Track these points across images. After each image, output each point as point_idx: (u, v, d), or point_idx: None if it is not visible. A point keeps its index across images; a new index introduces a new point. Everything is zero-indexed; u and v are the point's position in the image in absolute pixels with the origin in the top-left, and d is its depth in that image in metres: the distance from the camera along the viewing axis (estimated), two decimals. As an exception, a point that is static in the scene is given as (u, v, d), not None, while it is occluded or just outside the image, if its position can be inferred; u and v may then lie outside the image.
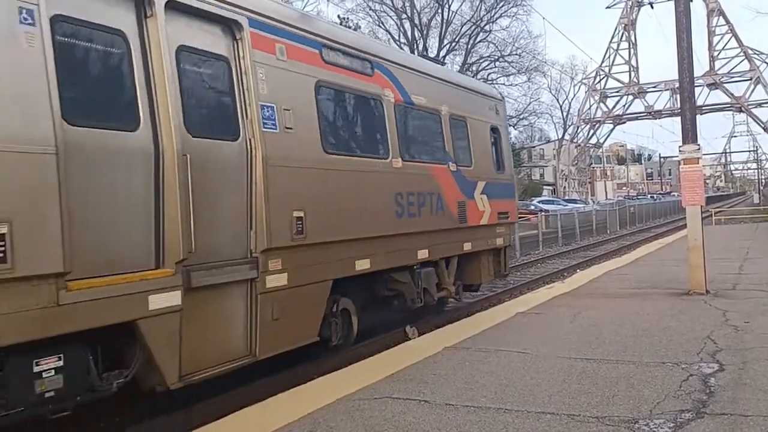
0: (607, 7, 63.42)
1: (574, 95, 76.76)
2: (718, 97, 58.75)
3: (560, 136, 67.28)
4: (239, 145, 5.94)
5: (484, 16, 42.25)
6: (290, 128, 6.47)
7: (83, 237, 4.51)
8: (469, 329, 7.55)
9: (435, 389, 5.17)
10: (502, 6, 42.55)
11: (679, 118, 9.99)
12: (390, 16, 41.13)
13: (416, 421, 4.44)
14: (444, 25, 41.22)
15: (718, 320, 7.43)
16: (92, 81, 5.00)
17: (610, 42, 62.67)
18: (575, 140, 66.19)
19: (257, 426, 4.53)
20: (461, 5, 42.04)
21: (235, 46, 6.05)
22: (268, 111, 6.22)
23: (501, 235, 11.15)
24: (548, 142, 70.34)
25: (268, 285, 6.08)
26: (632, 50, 61.96)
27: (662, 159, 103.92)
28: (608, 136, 68.43)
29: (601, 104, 63.02)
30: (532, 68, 46.91)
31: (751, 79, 56.66)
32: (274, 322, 6.13)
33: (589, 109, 63.43)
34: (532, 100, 52.91)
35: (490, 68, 43.93)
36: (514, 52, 44.78)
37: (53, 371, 4.40)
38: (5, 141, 4.07)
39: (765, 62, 56.00)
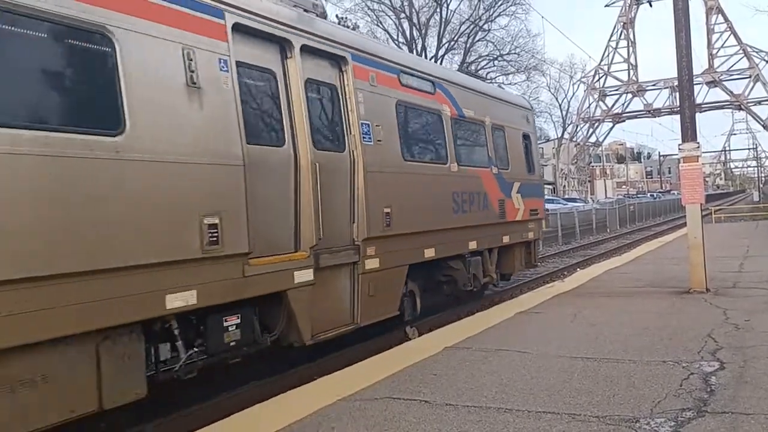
0: (606, 6, 63.47)
1: (573, 94, 76.96)
2: (717, 94, 59.00)
3: (559, 135, 67.27)
4: (346, 156, 7.52)
5: (482, 15, 42.27)
6: (380, 141, 8.07)
7: (257, 226, 5.95)
8: (469, 329, 7.55)
9: (435, 389, 5.17)
10: (501, 5, 42.58)
11: (678, 116, 9.99)
12: (388, 16, 41.14)
13: (417, 422, 4.43)
14: (442, 24, 41.22)
15: (718, 318, 7.43)
16: (257, 110, 6.49)
17: (609, 40, 62.71)
18: (574, 139, 66.19)
19: (260, 426, 4.53)
20: (459, 4, 42.17)
21: (342, 76, 7.69)
22: (365, 127, 7.81)
23: (532, 229, 12.76)
24: (547, 141, 70.31)
25: (366, 267, 7.65)
26: (631, 48, 61.98)
27: (662, 157, 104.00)
28: (607, 134, 68.53)
29: (601, 103, 63.05)
30: (531, 67, 46.95)
31: (750, 77, 56.69)
32: (370, 297, 7.72)
33: (589, 107, 63.45)
34: (531, 99, 52.78)
35: (489, 67, 43.95)
36: (513, 51, 44.81)
37: (234, 327, 5.97)
38: (217, 158, 5.61)
39: (764, 60, 56.03)
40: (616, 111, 63.01)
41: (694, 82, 10.67)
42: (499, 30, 44.40)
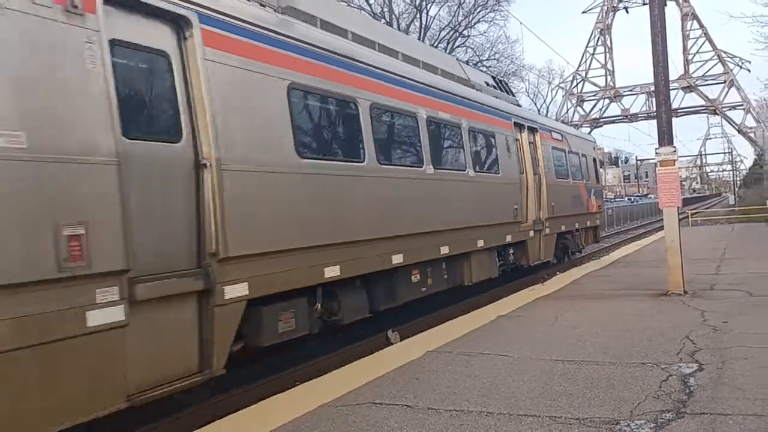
0: (583, 12, 64.21)
1: (552, 99, 77.52)
2: (693, 100, 59.72)
3: (539, 140, 67.62)
4: (521, 177, 13.03)
5: (462, 21, 42.51)
6: (548, 168, 14.49)
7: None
8: (451, 333, 7.56)
9: (418, 394, 5.16)
10: (480, 11, 42.83)
11: (655, 121, 10.11)
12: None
13: (399, 426, 4.43)
14: (422, 30, 41.37)
15: (696, 320, 7.51)
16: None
17: (587, 46, 63.44)
18: (554, 144, 66.61)
19: (239, 434, 4.49)
20: (439, 10, 42.14)
21: (535, 136, 13.98)
22: (547, 162, 14.44)
23: (597, 218, 19.26)
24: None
25: (531, 236, 13.38)
26: (608, 54, 62.76)
27: (639, 161, 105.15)
28: (586, 139, 68.96)
29: (579, 108, 63.70)
30: (510, 73, 47.17)
31: (725, 82, 57.64)
32: (544, 248, 14.19)
33: (567, 112, 64.01)
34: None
35: (469, 73, 44.12)
36: (492, 57, 45.08)
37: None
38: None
39: (738, 65, 56.99)
40: (593, 116, 63.69)
41: (671, 88, 10.82)
42: (478, 36, 44.68)
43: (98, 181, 4.55)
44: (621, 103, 62.18)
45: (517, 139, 12.96)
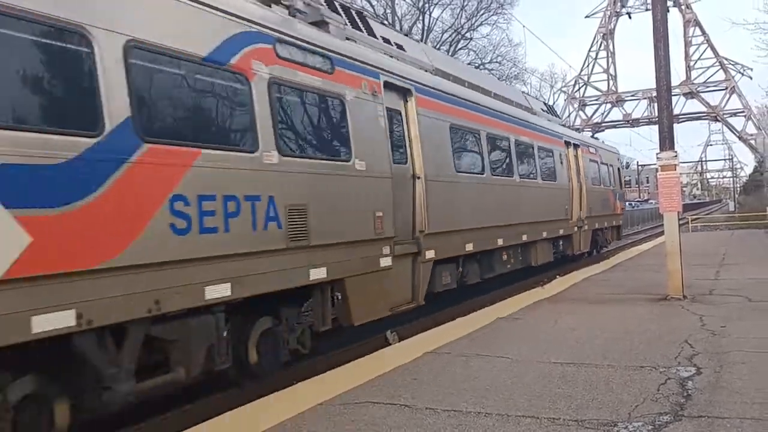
0: (587, 17, 64.24)
1: (554, 103, 77.31)
2: (694, 106, 59.68)
3: (540, 144, 67.61)
4: (569, 184, 16.77)
5: (464, 23, 42.54)
6: (587, 177, 18.22)
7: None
8: (450, 334, 7.57)
9: (416, 394, 5.17)
10: (483, 14, 42.89)
11: (656, 126, 10.14)
12: (371, 23, 41.23)
13: (397, 426, 4.43)
14: (425, 32, 41.39)
15: (695, 325, 7.52)
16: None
17: (589, 51, 63.38)
18: (555, 148, 66.57)
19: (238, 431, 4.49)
20: (442, 12, 42.26)
21: (577, 151, 17.68)
22: (586, 171, 18.11)
23: (620, 218, 22.81)
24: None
25: (575, 231, 17.07)
26: (611, 59, 62.72)
27: (640, 167, 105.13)
28: (587, 143, 68.88)
29: (580, 112, 63.68)
30: (512, 76, 47.23)
31: (726, 89, 57.62)
32: (583, 241, 17.93)
33: (568, 116, 63.99)
34: (512, 107, 53.02)
35: (471, 76, 44.13)
36: (495, 60, 45.13)
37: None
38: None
39: (740, 72, 56.98)
40: (595, 120, 63.64)
41: (672, 93, 10.84)
42: (481, 39, 44.72)
43: (384, 188, 8.21)
44: (623, 108, 62.15)
45: (565, 154, 16.75)
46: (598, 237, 20.18)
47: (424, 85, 9.86)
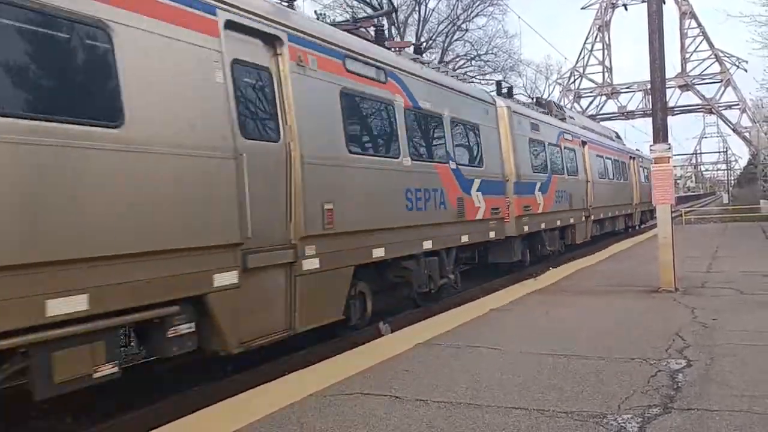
0: (582, 8, 63.97)
1: (549, 95, 77.16)
2: (689, 98, 59.68)
3: (535, 136, 67.54)
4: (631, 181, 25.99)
5: (460, 14, 42.33)
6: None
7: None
8: (442, 326, 7.56)
9: (407, 385, 5.16)
10: (479, 5, 42.65)
11: (651, 119, 10.11)
12: (367, 12, 41.02)
13: (387, 417, 4.42)
14: (421, 23, 41.18)
15: (686, 317, 7.53)
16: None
17: (585, 43, 63.26)
18: (550, 139, 66.56)
19: (225, 423, 4.47)
20: (438, 3, 41.87)
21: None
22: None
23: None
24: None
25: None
26: (606, 51, 62.63)
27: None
28: (582, 135, 68.89)
29: (576, 104, 63.63)
30: (507, 68, 47.05)
31: (721, 81, 57.63)
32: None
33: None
34: (508, 99, 52.86)
35: (467, 67, 44.01)
36: (490, 51, 44.93)
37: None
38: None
39: (735, 65, 56.97)
40: (590, 112, 63.55)
41: (667, 86, 10.82)
42: (476, 30, 44.52)
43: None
44: (618, 101, 62.12)
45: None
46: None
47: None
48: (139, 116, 5.17)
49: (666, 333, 6.69)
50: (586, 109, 63.27)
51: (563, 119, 19.65)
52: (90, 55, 5.00)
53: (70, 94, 4.82)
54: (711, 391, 4.70)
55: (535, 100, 21.94)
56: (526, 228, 14.12)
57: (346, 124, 7.93)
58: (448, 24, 42.02)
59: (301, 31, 7.28)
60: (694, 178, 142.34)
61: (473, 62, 44.28)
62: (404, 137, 9.32)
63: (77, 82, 4.91)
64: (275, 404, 4.76)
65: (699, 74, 58.47)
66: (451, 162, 10.74)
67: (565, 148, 18.09)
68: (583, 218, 19.18)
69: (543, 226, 15.36)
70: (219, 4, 6.15)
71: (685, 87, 57.82)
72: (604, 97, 62.71)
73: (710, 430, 3.97)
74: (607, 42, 62.72)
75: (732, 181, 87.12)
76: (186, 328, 5.55)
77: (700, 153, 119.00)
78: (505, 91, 16.48)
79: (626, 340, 6.44)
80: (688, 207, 47.10)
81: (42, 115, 4.53)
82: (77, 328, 4.63)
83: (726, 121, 59.51)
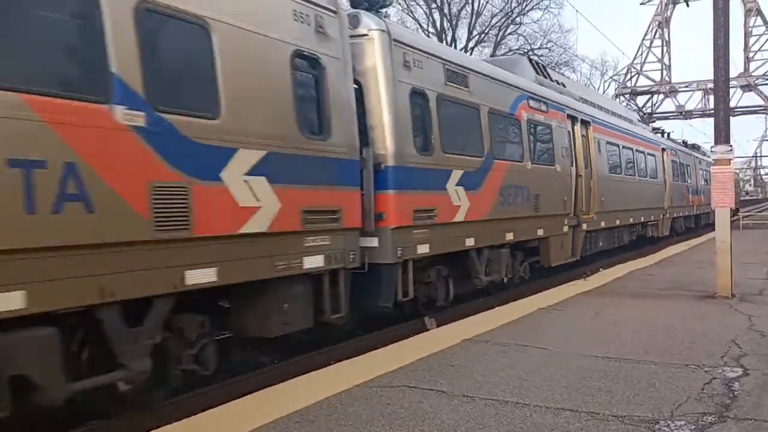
0: (642, 3, 62.34)
1: (604, 91, 75.56)
2: (751, 99, 57.54)
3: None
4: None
5: (515, 8, 41.78)
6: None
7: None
8: (488, 323, 7.51)
9: (453, 380, 5.15)
10: (534, -2, 42.02)
11: (710, 119, 9.82)
12: (419, 5, 40.81)
13: (433, 411, 4.42)
14: (474, 16, 40.78)
15: (743, 325, 7.29)
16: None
17: (643, 39, 61.49)
18: (604, 138, 65.21)
19: (275, 407, 4.54)
20: (492, -4, 41.38)
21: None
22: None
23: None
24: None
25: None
26: (665, 48, 60.85)
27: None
28: (637, 134, 67.29)
29: (631, 102, 62.10)
30: (562, 63, 46.31)
31: (786, 82, 55.34)
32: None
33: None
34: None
35: (519, 62, 43.36)
36: (545, 46, 44.26)
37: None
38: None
39: (802, 65, 54.61)
40: (647, 111, 62.04)
41: (729, 85, 10.45)
42: (531, 24, 43.87)
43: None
44: (676, 99, 60.34)
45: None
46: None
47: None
48: (558, 160, 13.32)
49: (721, 340, 6.49)
50: (643, 106, 61.73)
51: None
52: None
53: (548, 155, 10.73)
54: (769, 402, 4.54)
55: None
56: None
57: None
58: (502, 17, 41.48)
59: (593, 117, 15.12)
60: (753, 182, 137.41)
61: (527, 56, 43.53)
62: None
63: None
64: (321, 393, 4.81)
65: (763, 74, 56.31)
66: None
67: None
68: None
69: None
70: (565, 107, 13.97)
71: (747, 87, 55.74)
72: (661, 96, 61.03)
73: (768, 443, 3.84)
74: (667, 39, 60.93)
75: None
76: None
77: (761, 156, 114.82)
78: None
79: (679, 345, 6.28)
80: (746, 211, 45.48)
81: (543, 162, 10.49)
82: None
83: (790, 123, 57.11)
